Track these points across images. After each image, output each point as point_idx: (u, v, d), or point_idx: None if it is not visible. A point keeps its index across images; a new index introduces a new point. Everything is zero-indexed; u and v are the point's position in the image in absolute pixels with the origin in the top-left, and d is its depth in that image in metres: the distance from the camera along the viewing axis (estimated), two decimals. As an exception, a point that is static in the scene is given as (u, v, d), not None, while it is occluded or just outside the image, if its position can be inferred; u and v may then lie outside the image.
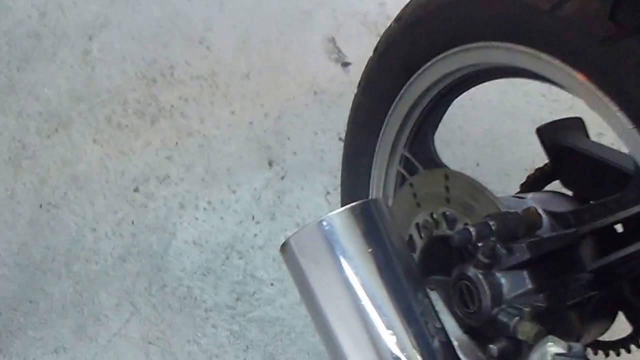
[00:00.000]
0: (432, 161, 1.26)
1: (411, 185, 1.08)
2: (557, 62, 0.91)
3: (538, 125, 1.14)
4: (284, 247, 0.81)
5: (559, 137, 1.17)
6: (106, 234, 1.75)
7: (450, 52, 1.07)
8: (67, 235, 1.77)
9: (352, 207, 0.79)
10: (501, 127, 2.04)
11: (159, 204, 1.78)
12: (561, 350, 0.68)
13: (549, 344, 0.69)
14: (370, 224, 0.80)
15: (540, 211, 0.90)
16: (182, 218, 1.76)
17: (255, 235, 1.73)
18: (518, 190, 1.25)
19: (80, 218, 1.79)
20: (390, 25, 1.19)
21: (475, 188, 0.97)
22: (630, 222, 0.96)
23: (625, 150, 0.89)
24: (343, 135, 1.97)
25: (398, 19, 1.17)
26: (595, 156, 1.09)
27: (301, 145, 1.87)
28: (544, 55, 0.92)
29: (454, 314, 0.83)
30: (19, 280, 1.69)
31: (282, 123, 1.91)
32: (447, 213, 1.01)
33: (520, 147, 2.03)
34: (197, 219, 1.76)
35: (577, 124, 1.22)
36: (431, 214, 1.03)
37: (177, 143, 1.88)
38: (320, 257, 0.78)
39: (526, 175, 1.24)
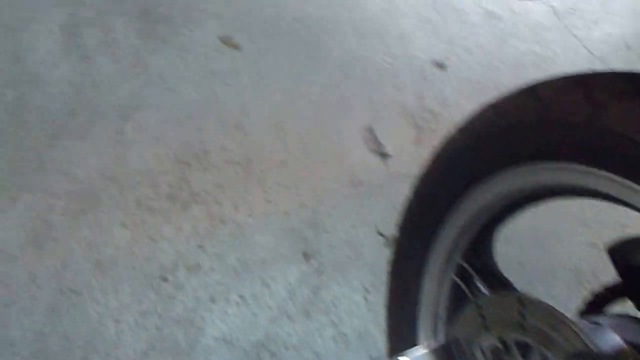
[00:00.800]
0: (491, 272, 1.18)
1: (479, 306, 0.99)
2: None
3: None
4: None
5: (632, 257, 1.09)
6: (129, 326, 1.65)
7: (523, 168, 1.00)
8: (88, 325, 1.67)
9: (435, 350, 0.71)
10: (544, 225, 1.97)
11: (188, 295, 1.69)
12: None
13: None
14: (453, 366, 0.72)
15: (629, 347, 0.83)
16: (212, 312, 1.66)
17: (289, 334, 1.63)
18: (582, 307, 1.17)
19: (103, 307, 1.70)
20: (453, 135, 1.13)
21: (555, 317, 0.88)
22: None
23: None
24: (382, 230, 1.91)
25: (463, 130, 1.10)
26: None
27: (338, 239, 1.79)
28: (631, 183, 0.85)
29: None
30: (33, 373, 1.58)
31: (319, 214, 1.84)
32: (520, 340, 0.92)
33: (564, 246, 1.96)
34: (227, 313, 1.66)
35: (650, 242, 1.14)
36: (501, 339, 0.95)
37: (209, 231, 1.80)
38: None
39: (592, 294, 1.16)
